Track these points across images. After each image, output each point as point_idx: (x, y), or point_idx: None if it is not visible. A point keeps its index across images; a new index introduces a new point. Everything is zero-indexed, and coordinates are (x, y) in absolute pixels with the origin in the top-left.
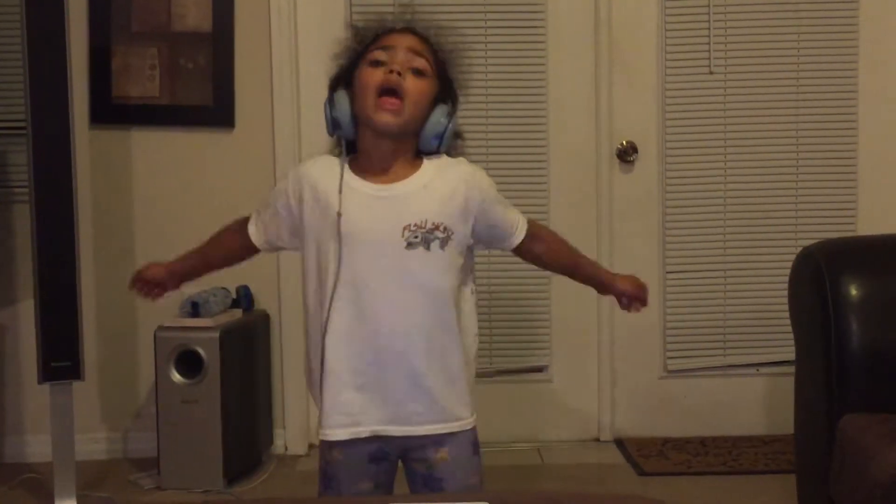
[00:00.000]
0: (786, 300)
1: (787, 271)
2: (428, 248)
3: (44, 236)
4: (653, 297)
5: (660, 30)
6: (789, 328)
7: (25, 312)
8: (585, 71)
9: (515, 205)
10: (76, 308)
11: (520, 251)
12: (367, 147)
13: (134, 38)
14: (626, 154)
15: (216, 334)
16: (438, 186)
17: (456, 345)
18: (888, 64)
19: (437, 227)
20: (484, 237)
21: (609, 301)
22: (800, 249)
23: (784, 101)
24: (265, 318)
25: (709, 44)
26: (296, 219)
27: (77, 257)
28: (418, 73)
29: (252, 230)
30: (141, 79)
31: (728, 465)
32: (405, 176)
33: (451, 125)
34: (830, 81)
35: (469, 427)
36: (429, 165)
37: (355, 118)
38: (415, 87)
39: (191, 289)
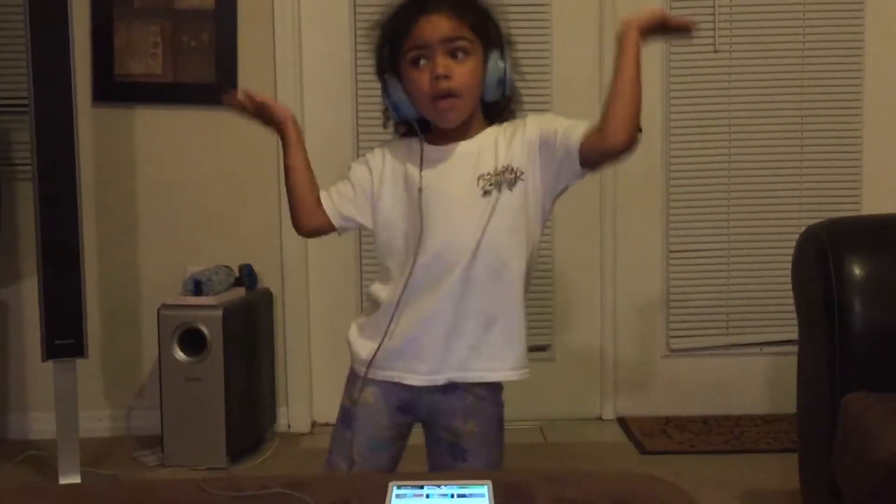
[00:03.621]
0: (789, 279)
1: (791, 250)
2: (500, 190)
3: (46, 214)
4: (656, 275)
5: (664, 6)
6: (793, 307)
7: (29, 290)
8: (589, 46)
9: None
10: (79, 286)
11: (589, 146)
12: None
13: (136, 15)
14: None
15: (219, 312)
16: (507, 136)
17: (517, 292)
18: (894, 44)
19: (506, 169)
20: (550, 151)
21: (612, 280)
22: (804, 229)
23: (789, 79)
24: (268, 296)
25: (714, 22)
26: (374, 196)
27: (80, 235)
28: (462, 54)
29: (327, 205)
30: (144, 56)
31: (730, 443)
32: (475, 134)
33: (508, 66)
34: (836, 60)
35: (525, 376)
36: (496, 126)
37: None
38: (464, 75)
39: (193, 266)
